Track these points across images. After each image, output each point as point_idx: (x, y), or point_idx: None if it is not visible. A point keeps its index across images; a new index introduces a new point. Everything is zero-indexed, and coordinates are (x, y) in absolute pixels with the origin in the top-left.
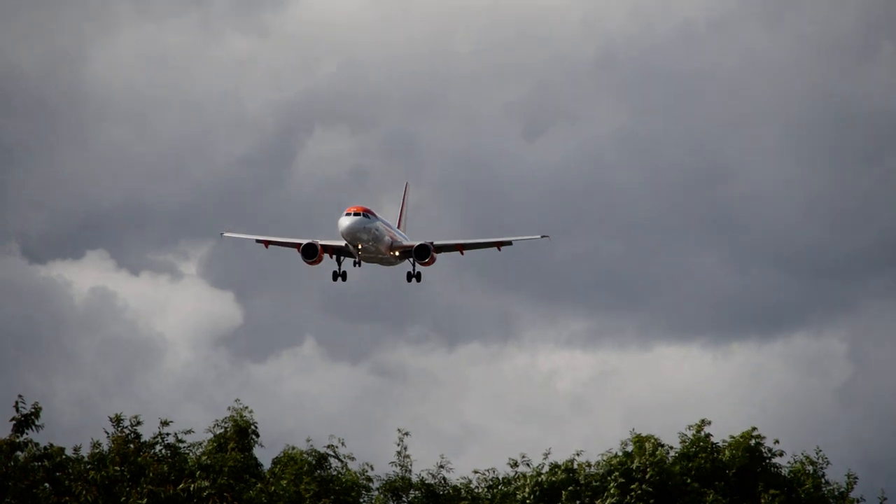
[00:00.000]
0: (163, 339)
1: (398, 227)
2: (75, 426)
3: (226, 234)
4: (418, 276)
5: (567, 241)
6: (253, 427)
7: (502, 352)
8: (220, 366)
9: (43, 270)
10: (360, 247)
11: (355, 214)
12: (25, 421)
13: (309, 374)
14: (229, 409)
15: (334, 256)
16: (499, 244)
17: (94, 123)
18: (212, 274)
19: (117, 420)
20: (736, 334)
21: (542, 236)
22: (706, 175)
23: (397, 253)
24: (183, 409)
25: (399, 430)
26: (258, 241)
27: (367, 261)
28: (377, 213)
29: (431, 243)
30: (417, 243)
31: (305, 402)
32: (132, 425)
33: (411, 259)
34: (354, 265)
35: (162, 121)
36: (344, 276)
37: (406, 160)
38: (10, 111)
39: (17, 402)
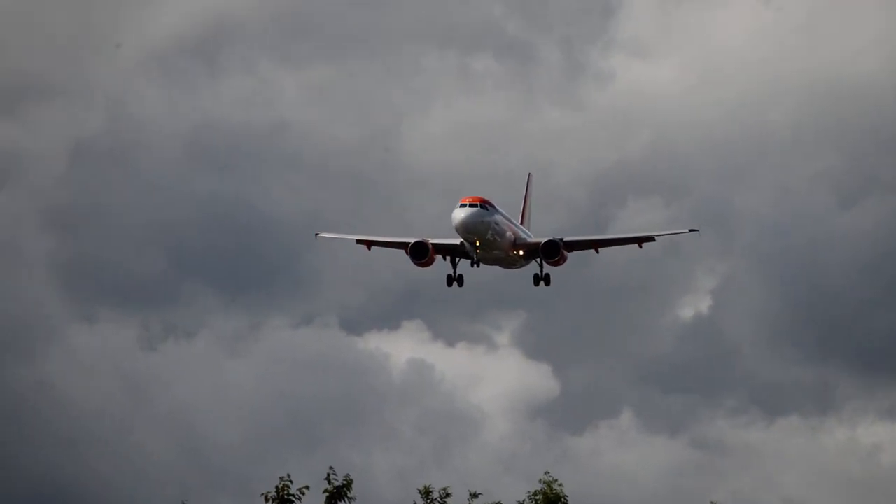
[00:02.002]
0: (479, 412)
1: (521, 223)
2: (390, 499)
3: (321, 235)
4: (546, 279)
5: (888, 310)
6: (563, 500)
7: (822, 424)
8: (536, 438)
9: (360, 343)
10: (477, 244)
11: (471, 206)
12: (337, 493)
13: (626, 447)
14: (540, 481)
15: (448, 258)
16: (640, 240)
17: (408, 197)
18: (526, 345)
19: (426, 492)
20: None
21: (691, 230)
22: None
23: (521, 252)
24: (498, 482)
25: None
26: (359, 241)
27: (486, 262)
28: (497, 206)
29: (561, 239)
30: (545, 239)
31: (621, 474)
32: (441, 497)
33: (538, 259)
34: (472, 266)
35: (474, 193)
36: (460, 280)
37: (718, 230)
38: (326, 185)
39: (328, 474)
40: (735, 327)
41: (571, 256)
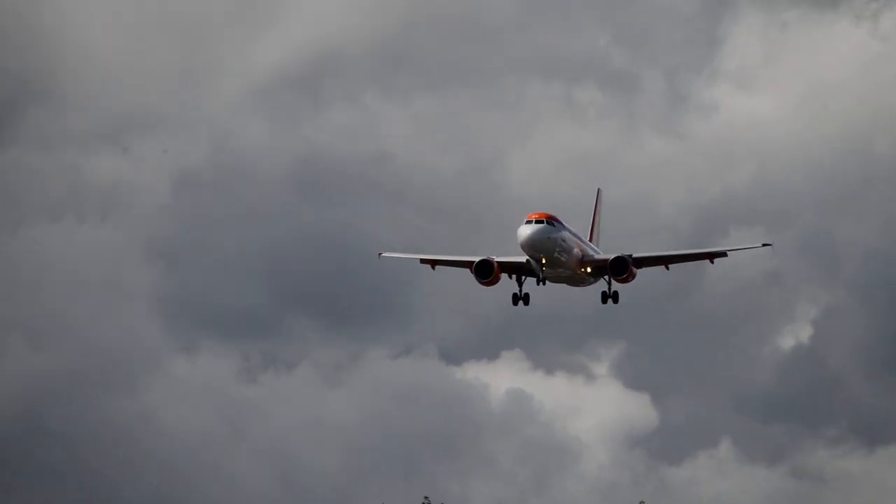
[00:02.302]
0: (578, 442)
1: (590, 240)
2: None
3: (384, 255)
4: (615, 297)
5: None
6: None
7: None
8: (634, 468)
9: (459, 372)
10: (543, 261)
11: (537, 222)
12: None
13: (724, 477)
14: None
15: (514, 276)
16: (711, 255)
17: (511, 229)
18: (625, 375)
19: None
20: None
21: (764, 244)
22: None
23: (589, 269)
24: None
25: None
26: (422, 260)
27: (554, 280)
28: (564, 222)
29: (630, 256)
30: (613, 256)
31: None
32: None
33: (606, 277)
34: (538, 283)
35: (576, 221)
36: (526, 298)
37: (822, 261)
38: (428, 215)
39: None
40: (836, 356)
41: (669, 279)
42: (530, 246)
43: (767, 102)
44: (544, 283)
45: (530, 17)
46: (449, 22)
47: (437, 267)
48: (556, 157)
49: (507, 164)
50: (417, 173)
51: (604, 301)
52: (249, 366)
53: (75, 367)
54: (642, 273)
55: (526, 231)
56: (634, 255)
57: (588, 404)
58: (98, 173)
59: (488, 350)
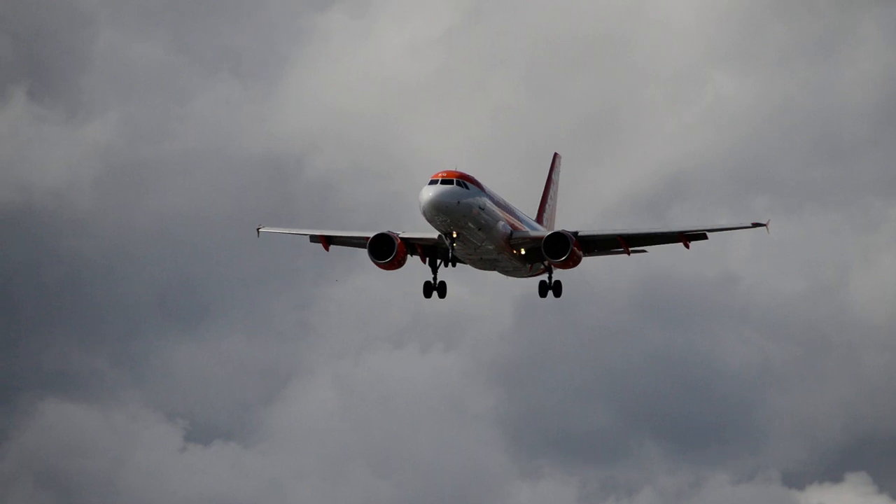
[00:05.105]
0: None
1: (538, 219)
2: None
3: (263, 230)
4: (556, 288)
5: None
6: None
7: None
8: None
9: (802, 498)
10: (454, 235)
11: (444, 182)
12: None
13: None
14: None
15: (428, 259)
16: (686, 238)
17: (857, 350)
18: None
19: None
20: None
21: (755, 224)
22: None
23: (523, 251)
24: None
25: None
26: (313, 238)
27: (480, 266)
28: (485, 187)
29: (575, 233)
30: (549, 232)
31: None
32: None
33: (547, 262)
34: (446, 265)
35: None
36: (442, 289)
37: None
38: (773, 337)
39: None
40: None
41: None
42: (434, 211)
43: None
44: (454, 265)
45: (888, 135)
46: (804, 141)
47: (332, 247)
48: None
49: (853, 287)
50: (761, 295)
51: (542, 293)
52: (589, 492)
53: (419, 494)
54: None
55: (427, 193)
56: (581, 233)
57: None
58: (441, 302)
59: (832, 472)
